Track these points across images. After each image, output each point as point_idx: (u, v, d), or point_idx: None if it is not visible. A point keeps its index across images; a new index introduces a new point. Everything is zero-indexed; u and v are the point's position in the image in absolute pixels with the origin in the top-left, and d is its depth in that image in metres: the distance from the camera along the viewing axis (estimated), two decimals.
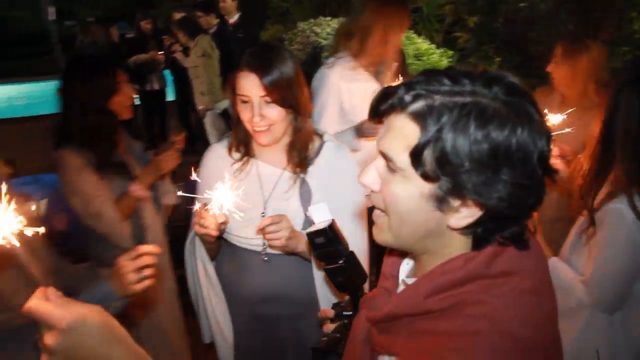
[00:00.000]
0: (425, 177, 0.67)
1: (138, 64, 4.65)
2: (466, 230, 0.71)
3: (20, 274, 1.24)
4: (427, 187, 0.68)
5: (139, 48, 4.74)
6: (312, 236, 1.03)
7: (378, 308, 0.79)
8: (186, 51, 4.61)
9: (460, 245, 0.74)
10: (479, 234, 0.72)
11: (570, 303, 1.40)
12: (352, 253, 1.05)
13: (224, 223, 1.29)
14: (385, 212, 0.75)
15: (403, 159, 0.68)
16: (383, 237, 0.78)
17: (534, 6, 3.77)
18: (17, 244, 0.79)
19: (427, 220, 0.72)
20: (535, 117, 0.66)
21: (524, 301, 0.71)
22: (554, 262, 1.49)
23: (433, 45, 3.99)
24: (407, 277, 0.87)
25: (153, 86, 4.91)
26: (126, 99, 1.87)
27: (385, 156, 0.72)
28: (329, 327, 1.09)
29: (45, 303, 0.65)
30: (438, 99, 0.66)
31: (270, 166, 1.47)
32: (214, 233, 1.25)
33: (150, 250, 1.16)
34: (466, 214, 0.69)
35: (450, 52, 4.03)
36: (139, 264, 1.14)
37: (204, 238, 1.34)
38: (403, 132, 0.69)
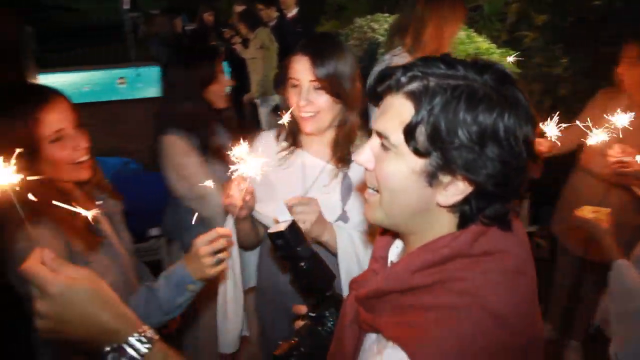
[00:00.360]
0: (417, 152, 0.70)
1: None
2: (454, 208, 0.75)
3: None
4: (419, 163, 0.72)
5: (200, 39, 4.89)
6: (272, 237, 1.01)
7: (366, 287, 0.82)
8: (245, 43, 4.71)
9: (447, 224, 0.77)
10: (466, 212, 0.75)
11: (633, 307, 1.35)
12: (314, 255, 1.02)
13: (250, 194, 1.29)
14: (378, 190, 0.78)
15: (397, 137, 0.72)
16: (374, 215, 0.80)
17: (611, 3, 3.56)
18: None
19: (417, 197, 0.75)
20: (522, 104, 0.70)
21: (505, 279, 0.73)
22: (621, 265, 1.43)
23: (494, 45, 3.86)
24: (397, 259, 0.91)
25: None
26: (222, 88, 1.93)
27: (380, 135, 0.76)
28: (298, 323, 1.09)
29: (39, 266, 0.67)
30: (433, 81, 0.70)
31: (315, 158, 1.48)
32: (238, 202, 1.24)
33: (226, 233, 1.18)
34: (455, 191, 0.72)
35: (512, 52, 3.88)
36: (215, 247, 1.15)
37: (229, 209, 1.31)
38: (398, 110, 0.72)
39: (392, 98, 0.74)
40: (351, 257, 1.32)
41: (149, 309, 1.18)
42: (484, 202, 0.74)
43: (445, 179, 0.71)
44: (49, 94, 1.19)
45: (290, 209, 1.25)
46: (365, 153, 0.79)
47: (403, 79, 0.72)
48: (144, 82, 7.77)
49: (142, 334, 0.71)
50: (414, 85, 0.71)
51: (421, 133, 0.69)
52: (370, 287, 0.80)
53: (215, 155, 1.84)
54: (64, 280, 0.67)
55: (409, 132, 0.70)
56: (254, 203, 1.34)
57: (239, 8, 5.12)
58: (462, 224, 0.76)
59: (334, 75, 1.33)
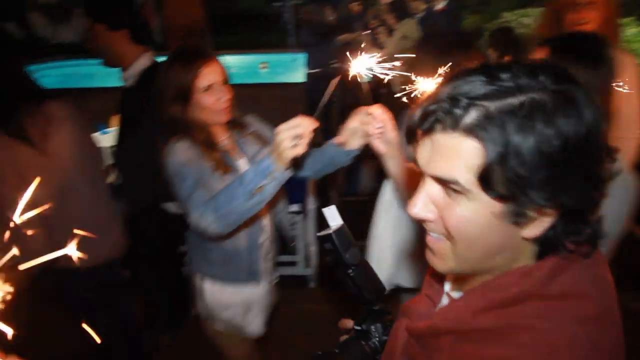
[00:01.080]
0: (498, 197, 0.61)
1: (343, 43, 4.92)
2: (540, 236, 0.65)
3: None
4: (500, 205, 0.62)
5: (346, 28, 5.01)
6: (320, 240, 0.98)
7: (420, 318, 0.73)
8: (391, 34, 4.72)
9: (528, 255, 0.68)
10: (551, 238, 0.65)
11: None
12: (363, 263, 0.96)
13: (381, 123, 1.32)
14: (448, 238, 0.67)
15: (468, 179, 0.61)
16: (446, 265, 0.71)
17: None
18: None
19: (501, 238, 0.65)
20: (593, 100, 0.60)
21: (583, 330, 0.61)
22: None
23: None
24: (452, 289, 0.80)
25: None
26: None
27: (442, 180, 0.65)
28: (343, 337, 1.03)
29: None
30: (490, 105, 0.58)
31: None
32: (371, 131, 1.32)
33: (308, 122, 1.26)
34: (543, 221, 0.63)
35: None
36: (293, 132, 1.24)
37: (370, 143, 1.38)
38: (460, 151, 0.61)
39: (444, 137, 0.62)
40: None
41: (235, 190, 1.34)
42: (571, 224, 0.64)
43: (532, 213, 0.62)
44: (208, 57, 1.57)
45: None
46: (421, 203, 0.69)
47: (457, 112, 0.60)
48: (283, 68, 8.26)
49: None
50: (472, 117, 0.59)
51: (499, 174, 0.59)
52: (424, 323, 0.72)
53: None
54: None
55: (485, 178, 0.60)
56: (392, 135, 1.33)
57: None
58: (544, 252, 0.66)
59: None
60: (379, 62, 1.20)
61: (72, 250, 1.76)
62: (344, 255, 0.95)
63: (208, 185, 1.49)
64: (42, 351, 2.57)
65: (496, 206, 0.62)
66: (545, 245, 0.66)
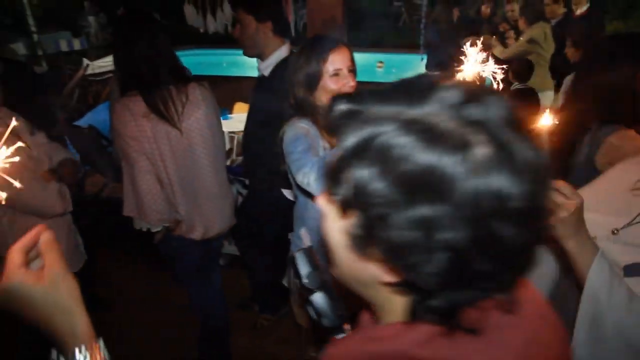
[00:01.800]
0: (341, 205, 0.51)
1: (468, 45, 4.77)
2: (397, 289, 0.53)
3: None
4: (344, 222, 0.52)
5: (473, 30, 4.85)
6: (288, 261, 0.87)
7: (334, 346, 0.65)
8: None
9: (401, 307, 0.55)
10: (412, 302, 0.53)
11: None
12: (325, 289, 0.86)
13: None
14: None
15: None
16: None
17: None
18: None
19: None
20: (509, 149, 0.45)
21: None
22: None
23: None
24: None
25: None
26: None
27: None
28: None
29: (15, 254, 0.65)
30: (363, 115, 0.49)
31: None
32: None
33: None
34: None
35: None
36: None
37: None
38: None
39: None
40: (598, 301, 1.05)
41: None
42: (433, 294, 0.50)
43: (372, 249, 0.50)
44: (338, 45, 1.65)
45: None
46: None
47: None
48: (398, 68, 8.22)
49: (91, 350, 0.64)
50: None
51: (344, 179, 0.49)
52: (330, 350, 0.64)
53: None
54: (22, 278, 0.63)
55: (333, 175, 0.51)
56: None
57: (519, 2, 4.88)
58: (414, 312, 0.53)
59: None
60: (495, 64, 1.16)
61: (189, 220, 1.99)
62: (303, 279, 0.89)
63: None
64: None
65: (342, 222, 0.53)
66: (419, 304, 0.53)
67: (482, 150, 0.45)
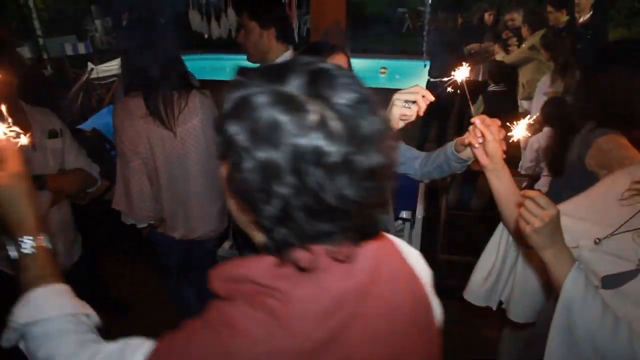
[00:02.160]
0: (220, 154, 0.66)
1: (471, 52, 4.79)
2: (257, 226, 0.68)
3: None
4: (223, 170, 0.68)
5: (475, 37, 4.87)
6: None
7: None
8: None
9: (262, 241, 0.68)
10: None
11: None
12: None
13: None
14: None
15: None
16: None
17: None
18: None
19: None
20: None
21: (264, 332, 0.63)
22: None
23: None
24: None
25: (478, 77, 4.99)
26: None
27: None
28: None
29: None
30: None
31: None
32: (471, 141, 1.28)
33: (425, 92, 1.23)
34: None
35: None
36: (407, 96, 1.23)
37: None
38: None
39: None
40: (571, 311, 1.03)
41: None
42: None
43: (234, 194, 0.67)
44: (335, 51, 1.67)
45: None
46: None
47: None
48: (401, 74, 8.24)
49: (34, 239, 0.83)
50: None
51: (222, 133, 0.64)
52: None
53: None
54: None
55: (217, 130, 0.65)
56: (493, 146, 1.26)
57: (520, 11, 4.90)
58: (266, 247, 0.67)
59: None
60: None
61: (171, 219, 2.02)
62: None
63: None
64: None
65: (223, 168, 0.68)
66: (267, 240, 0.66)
67: (312, 116, 0.58)
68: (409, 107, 1.22)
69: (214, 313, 0.67)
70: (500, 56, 4.52)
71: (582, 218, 1.18)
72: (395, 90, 1.31)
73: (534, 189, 1.64)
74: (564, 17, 4.50)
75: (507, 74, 4.22)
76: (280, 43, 2.26)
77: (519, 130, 1.26)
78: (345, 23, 2.86)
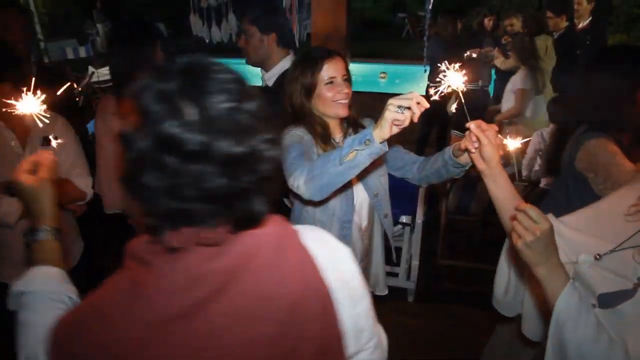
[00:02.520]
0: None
1: (471, 57, 4.79)
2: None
3: None
4: None
5: (475, 43, 4.88)
6: None
7: None
8: None
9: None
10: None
11: None
12: None
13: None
14: None
15: None
16: None
17: None
18: None
19: None
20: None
21: (119, 301, 0.73)
22: None
23: None
24: None
25: (477, 82, 4.98)
26: None
27: None
28: None
29: (21, 173, 1.05)
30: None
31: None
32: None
33: (420, 99, 1.19)
34: None
35: None
36: (402, 103, 1.20)
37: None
38: None
39: None
40: (564, 330, 1.01)
41: (332, 154, 1.38)
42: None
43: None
44: (331, 55, 1.71)
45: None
46: None
47: None
48: (401, 79, 8.27)
49: (47, 231, 1.02)
50: None
51: None
52: None
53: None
54: (23, 178, 1.04)
55: None
56: (489, 152, 1.23)
57: (519, 17, 4.91)
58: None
59: None
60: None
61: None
62: None
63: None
64: None
65: None
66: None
67: (177, 108, 0.65)
68: (402, 113, 1.21)
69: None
70: (499, 61, 4.54)
71: (586, 231, 1.14)
72: (395, 95, 1.31)
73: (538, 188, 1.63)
74: (563, 23, 4.52)
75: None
76: (281, 48, 2.28)
77: (511, 141, 1.26)
78: (345, 28, 2.87)
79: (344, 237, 1.79)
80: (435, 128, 5.22)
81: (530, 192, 3.60)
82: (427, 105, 1.20)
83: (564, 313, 0.98)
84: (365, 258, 1.90)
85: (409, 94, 1.21)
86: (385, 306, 2.15)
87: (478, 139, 1.21)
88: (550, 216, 1.18)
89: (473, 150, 1.26)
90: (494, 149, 1.21)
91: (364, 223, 1.86)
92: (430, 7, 4.88)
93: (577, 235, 1.14)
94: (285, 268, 0.79)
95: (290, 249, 0.81)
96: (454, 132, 4.40)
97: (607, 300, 0.99)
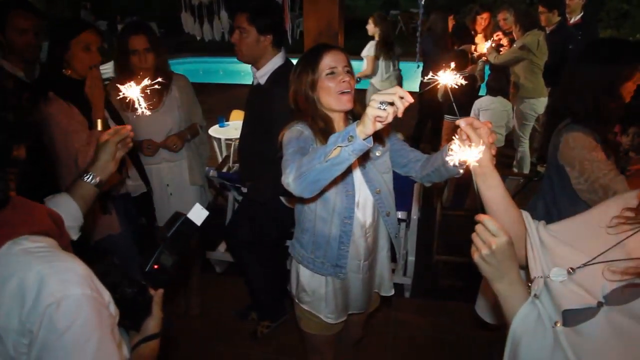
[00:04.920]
0: None
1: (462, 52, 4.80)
2: None
3: None
4: None
5: (467, 38, 4.88)
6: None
7: None
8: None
9: None
10: None
11: None
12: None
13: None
14: None
15: None
16: None
17: None
18: None
19: None
20: None
21: None
22: None
23: None
24: None
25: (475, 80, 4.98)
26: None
27: None
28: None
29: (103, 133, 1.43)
30: None
31: None
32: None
33: (404, 94, 1.16)
34: None
35: None
36: (385, 98, 1.16)
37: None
38: None
39: None
40: (519, 347, 0.97)
41: (318, 150, 1.37)
42: None
43: None
44: (330, 47, 1.73)
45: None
46: None
47: None
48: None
49: (94, 178, 1.35)
50: None
51: None
52: None
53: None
54: (100, 137, 1.40)
55: None
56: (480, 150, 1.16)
57: (511, 10, 4.92)
58: None
59: None
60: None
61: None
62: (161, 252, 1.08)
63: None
64: None
65: None
66: None
67: None
68: (384, 109, 1.17)
69: None
70: (492, 57, 4.55)
71: (567, 242, 1.08)
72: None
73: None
74: (555, 18, 4.54)
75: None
76: (274, 49, 2.28)
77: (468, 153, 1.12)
78: (338, 25, 2.86)
79: (345, 233, 1.77)
80: (429, 122, 5.23)
81: (525, 185, 3.62)
82: (411, 99, 1.17)
83: (520, 331, 0.95)
84: (370, 257, 1.87)
85: (392, 89, 1.18)
86: (382, 302, 2.14)
87: (468, 137, 1.16)
88: (541, 224, 1.14)
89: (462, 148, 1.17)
90: (485, 148, 1.15)
91: (368, 220, 1.81)
92: (423, 3, 4.86)
93: (557, 245, 1.08)
94: None
95: None
96: (447, 117, 4.39)
97: (571, 318, 0.94)
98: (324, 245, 1.79)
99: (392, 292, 2.04)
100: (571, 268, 1.01)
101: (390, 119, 1.18)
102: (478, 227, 0.98)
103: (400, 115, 1.19)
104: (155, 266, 1.04)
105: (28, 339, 0.73)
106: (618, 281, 0.89)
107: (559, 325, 0.93)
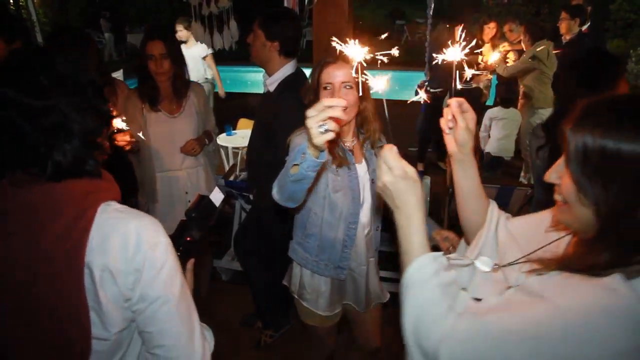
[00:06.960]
0: None
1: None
2: None
3: None
4: None
5: (474, 49, 4.89)
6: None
7: None
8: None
9: None
10: None
11: None
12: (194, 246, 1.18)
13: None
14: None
15: None
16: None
17: None
18: None
19: None
20: None
21: None
22: None
23: None
24: None
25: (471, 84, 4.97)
26: None
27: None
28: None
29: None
30: None
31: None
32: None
33: (334, 103, 1.13)
34: None
35: None
36: (319, 117, 1.14)
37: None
38: None
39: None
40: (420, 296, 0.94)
41: (282, 174, 1.48)
42: None
43: None
44: (330, 63, 1.76)
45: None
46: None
47: None
48: (401, 85, 8.28)
49: None
50: None
51: None
52: None
53: None
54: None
55: None
56: (464, 134, 1.13)
57: (517, 21, 4.94)
58: None
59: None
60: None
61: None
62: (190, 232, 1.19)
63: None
64: None
65: None
66: None
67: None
68: (325, 130, 1.15)
69: None
70: (500, 68, 4.56)
71: (515, 239, 1.09)
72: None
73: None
74: (576, 27, 4.46)
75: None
76: (283, 57, 2.30)
77: None
78: (347, 35, 2.88)
79: (349, 237, 1.83)
80: (434, 134, 5.24)
81: (533, 196, 3.59)
82: (342, 102, 1.14)
83: (413, 279, 0.93)
84: (367, 258, 1.94)
85: (318, 106, 1.15)
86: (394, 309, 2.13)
87: (455, 119, 1.12)
88: (504, 217, 1.18)
89: (447, 131, 1.15)
90: (469, 134, 1.12)
91: (369, 222, 1.90)
92: (430, 12, 4.88)
93: (507, 241, 1.08)
94: (42, 229, 0.90)
95: (65, 212, 0.91)
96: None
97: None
98: (329, 248, 1.85)
99: (388, 297, 2.09)
100: (496, 264, 1.03)
101: (337, 127, 1.16)
102: (382, 152, 1.01)
103: (346, 118, 1.20)
104: (188, 238, 1.18)
105: (134, 277, 0.93)
106: (531, 272, 0.91)
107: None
